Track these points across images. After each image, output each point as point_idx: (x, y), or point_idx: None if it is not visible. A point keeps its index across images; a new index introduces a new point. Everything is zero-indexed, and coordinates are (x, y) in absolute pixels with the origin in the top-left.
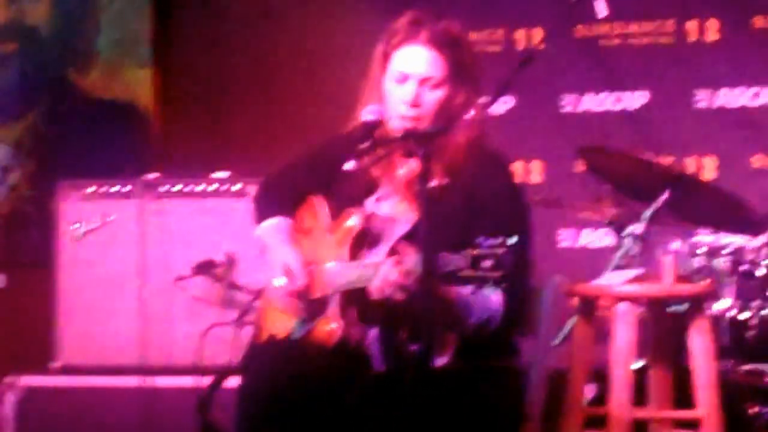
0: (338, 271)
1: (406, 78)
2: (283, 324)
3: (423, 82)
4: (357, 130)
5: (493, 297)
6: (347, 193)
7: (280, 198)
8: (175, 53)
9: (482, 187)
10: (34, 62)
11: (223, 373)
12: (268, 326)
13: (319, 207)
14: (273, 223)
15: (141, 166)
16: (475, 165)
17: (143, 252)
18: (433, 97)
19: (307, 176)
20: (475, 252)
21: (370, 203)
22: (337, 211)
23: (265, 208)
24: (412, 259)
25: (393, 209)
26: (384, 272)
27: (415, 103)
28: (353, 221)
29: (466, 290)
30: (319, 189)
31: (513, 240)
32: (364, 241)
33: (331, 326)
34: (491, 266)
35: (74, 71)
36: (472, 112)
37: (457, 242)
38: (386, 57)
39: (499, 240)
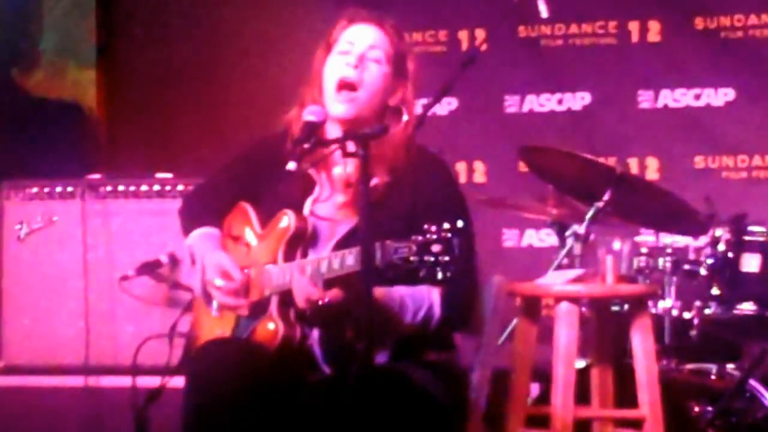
0: (274, 272)
1: (352, 45)
2: (220, 330)
3: (368, 50)
4: (297, 131)
5: (432, 294)
6: (283, 196)
7: (204, 209)
8: (119, 54)
9: (423, 184)
10: None
11: (155, 391)
12: (203, 335)
13: (249, 213)
14: (201, 232)
15: (85, 166)
16: (413, 163)
17: (86, 252)
18: (375, 70)
19: (232, 184)
20: (422, 237)
21: (307, 205)
22: (270, 215)
23: (190, 220)
24: (337, 257)
25: (331, 210)
26: (295, 281)
27: (358, 65)
28: (286, 222)
29: (402, 289)
30: (247, 195)
31: (460, 223)
32: (299, 242)
33: (269, 327)
34: (440, 251)
35: (18, 71)
36: (405, 117)
37: (400, 237)
38: (332, 41)
39: (447, 225)
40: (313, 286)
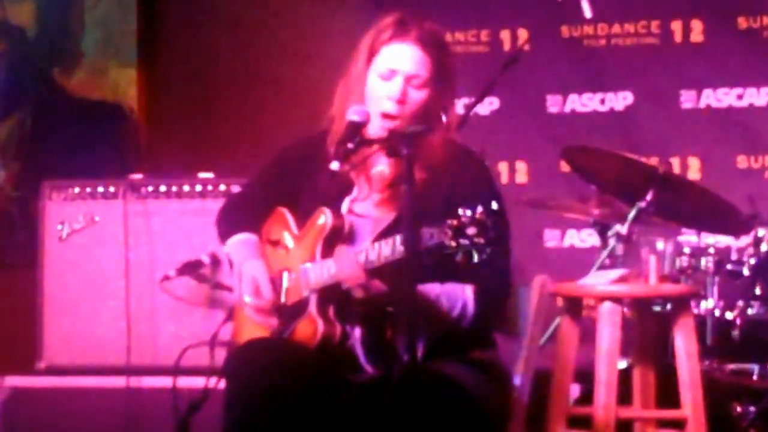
0: (311, 270)
1: (394, 74)
2: (262, 335)
3: (409, 79)
4: (341, 130)
5: (466, 292)
6: (320, 197)
7: (241, 216)
8: (160, 53)
9: (459, 179)
10: (19, 62)
11: (197, 401)
12: (244, 342)
13: (286, 217)
14: (239, 238)
15: (126, 166)
16: (450, 160)
17: (128, 252)
18: (418, 96)
19: (268, 189)
20: (457, 221)
21: (345, 204)
22: (308, 217)
23: (227, 228)
24: (373, 249)
25: (369, 208)
26: (344, 272)
27: (401, 100)
28: (323, 219)
29: (436, 287)
30: (284, 199)
31: (494, 205)
32: (337, 239)
33: (309, 326)
34: (475, 233)
35: (60, 71)
36: (444, 119)
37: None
38: (372, 53)
39: (481, 208)
40: (359, 266)
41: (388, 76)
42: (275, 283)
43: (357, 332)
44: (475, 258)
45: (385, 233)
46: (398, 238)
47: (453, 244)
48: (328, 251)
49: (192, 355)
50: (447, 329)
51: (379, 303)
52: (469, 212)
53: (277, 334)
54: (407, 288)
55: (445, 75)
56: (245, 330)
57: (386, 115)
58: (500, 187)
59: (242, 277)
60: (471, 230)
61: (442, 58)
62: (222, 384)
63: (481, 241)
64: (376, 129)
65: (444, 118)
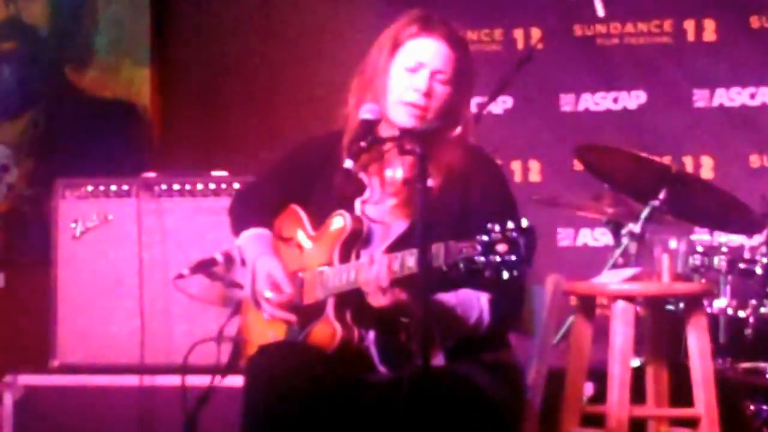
0: (329, 274)
1: (421, 66)
2: (272, 333)
3: (435, 74)
4: (354, 128)
5: (482, 301)
6: (332, 197)
7: (255, 209)
8: (173, 52)
9: (475, 184)
10: (32, 61)
11: (204, 396)
12: (254, 338)
13: (300, 214)
14: (253, 233)
15: (139, 164)
16: (466, 163)
17: (141, 251)
18: (442, 91)
19: (282, 184)
20: (488, 237)
21: (357, 206)
22: (321, 216)
23: (241, 220)
24: (397, 259)
25: (382, 213)
26: (369, 273)
27: (428, 93)
28: (341, 222)
29: (452, 297)
30: (296, 195)
31: (525, 222)
32: (355, 243)
33: (327, 330)
34: (506, 250)
35: (72, 70)
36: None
37: (453, 238)
38: (397, 45)
39: (512, 224)
40: (385, 271)
41: (414, 69)
42: (291, 281)
43: (371, 334)
44: (505, 275)
45: (399, 241)
46: (417, 252)
47: (482, 260)
48: (345, 255)
49: (203, 353)
50: (464, 337)
51: (397, 312)
52: (498, 227)
53: (292, 334)
54: (423, 299)
55: (466, 75)
56: (253, 326)
57: (413, 105)
58: (514, 191)
59: (256, 273)
60: (501, 247)
61: (464, 58)
62: (229, 380)
63: (512, 258)
64: (398, 120)
65: (461, 120)
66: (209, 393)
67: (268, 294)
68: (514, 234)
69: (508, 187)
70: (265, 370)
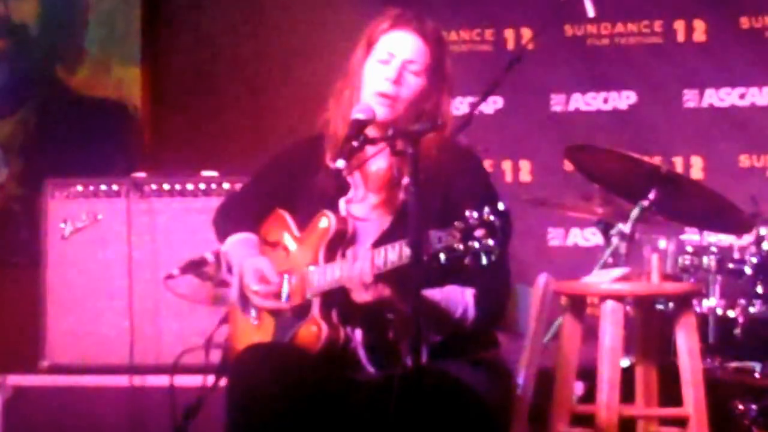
0: (315, 273)
1: (392, 57)
2: (259, 338)
3: (407, 64)
4: (344, 129)
5: (466, 296)
6: (316, 198)
7: (239, 215)
8: (164, 51)
9: (455, 177)
10: (22, 60)
11: (193, 407)
12: (241, 344)
13: (285, 218)
14: (238, 238)
15: (129, 164)
16: (447, 159)
17: (131, 251)
18: (414, 82)
19: (267, 190)
20: (465, 224)
21: (341, 205)
22: (306, 218)
23: (225, 227)
24: (379, 254)
25: (365, 211)
26: (353, 270)
27: (397, 81)
28: (326, 222)
29: (437, 293)
30: (281, 200)
31: (501, 206)
32: (340, 242)
33: (312, 329)
34: (484, 234)
35: (63, 69)
36: (439, 121)
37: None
38: (371, 42)
39: (487, 209)
40: (368, 266)
41: (386, 60)
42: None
43: (358, 334)
44: (484, 260)
45: (385, 237)
46: (404, 244)
47: (461, 246)
48: (331, 255)
49: (192, 354)
50: (448, 333)
51: (382, 308)
52: (476, 214)
53: (279, 338)
54: (412, 293)
55: (441, 71)
56: (241, 333)
57: (381, 95)
58: (495, 183)
59: (244, 271)
60: (479, 232)
61: (440, 54)
62: (219, 383)
63: (490, 242)
64: (371, 129)
65: (439, 117)
66: (199, 404)
67: (256, 287)
68: (491, 217)
69: (487, 176)
70: (249, 371)
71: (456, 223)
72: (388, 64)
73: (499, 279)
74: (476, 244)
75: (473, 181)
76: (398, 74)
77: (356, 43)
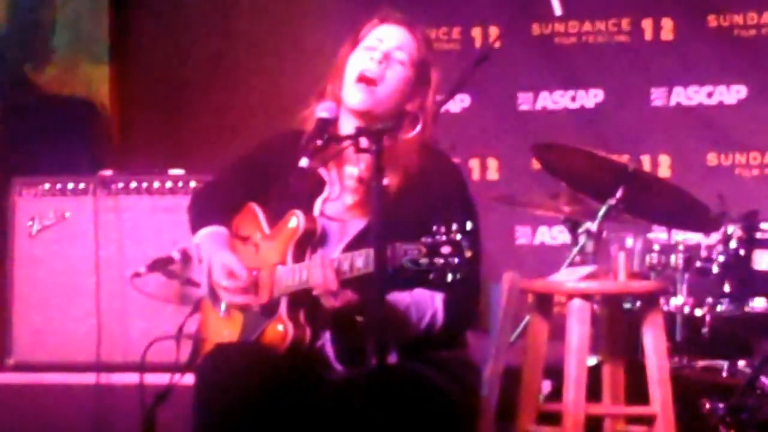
0: (283, 273)
1: (380, 42)
2: (228, 331)
3: (394, 50)
4: (310, 128)
5: (436, 300)
6: (292, 196)
7: (213, 207)
8: (132, 50)
9: (434, 187)
10: None
11: (163, 394)
12: (211, 336)
13: (257, 213)
14: (210, 231)
15: (97, 163)
16: (425, 166)
17: (98, 249)
18: (399, 70)
19: (242, 182)
20: (432, 239)
21: (317, 205)
22: (279, 215)
23: (199, 218)
24: (346, 260)
25: (341, 211)
26: (317, 277)
27: (382, 62)
28: (295, 222)
29: (407, 297)
30: (256, 194)
31: (469, 225)
32: (308, 242)
33: (278, 329)
34: (450, 252)
35: (31, 68)
36: (420, 125)
37: (410, 240)
38: (357, 40)
39: (456, 226)
40: (333, 274)
41: (373, 47)
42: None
43: (327, 333)
44: (449, 277)
45: (357, 240)
46: (372, 251)
47: (427, 261)
48: (299, 254)
49: (160, 351)
50: (417, 338)
51: (349, 312)
52: (443, 229)
53: (247, 333)
54: (377, 300)
55: (426, 73)
56: (209, 324)
57: (363, 77)
58: (473, 197)
59: (212, 266)
60: (445, 249)
61: (426, 51)
62: (188, 378)
63: (456, 260)
64: (351, 102)
65: (420, 121)
66: (168, 391)
67: (225, 282)
68: (458, 236)
69: (467, 188)
70: (214, 372)
71: (423, 239)
72: (374, 50)
73: (468, 288)
74: (441, 261)
75: (451, 192)
76: (384, 56)
77: (329, 40)
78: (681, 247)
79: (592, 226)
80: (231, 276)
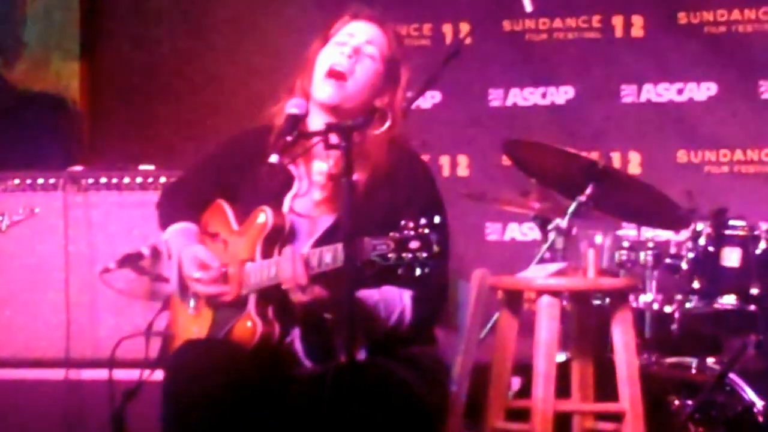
0: (251, 269)
1: (351, 38)
2: (197, 328)
3: (365, 45)
4: (280, 124)
5: (404, 298)
6: (261, 192)
7: (182, 203)
8: (103, 46)
9: (401, 182)
10: None
11: (132, 390)
12: (180, 333)
13: (225, 210)
14: (179, 227)
15: (67, 158)
16: (393, 161)
17: (68, 244)
18: (369, 65)
19: (211, 179)
20: (400, 234)
21: (286, 201)
22: (247, 211)
23: (168, 214)
24: (314, 255)
25: (309, 207)
26: (288, 272)
27: (352, 56)
28: (263, 218)
29: (375, 294)
30: (225, 190)
31: (437, 219)
32: (277, 239)
33: (247, 325)
34: (418, 247)
35: (1, 63)
36: (388, 122)
37: (379, 235)
38: (329, 34)
39: (424, 221)
40: (303, 269)
41: (344, 42)
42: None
43: (296, 329)
44: (417, 272)
45: (326, 236)
46: (340, 247)
47: (395, 256)
48: (268, 251)
49: (130, 348)
50: (385, 334)
51: (318, 308)
52: (411, 224)
53: (216, 329)
54: (346, 296)
55: (396, 70)
56: (180, 321)
57: (332, 72)
58: (441, 193)
59: (183, 259)
60: (414, 244)
61: (396, 47)
62: (157, 374)
63: (424, 255)
64: (321, 96)
65: (389, 117)
66: (138, 387)
67: (197, 274)
68: (426, 231)
69: (435, 185)
70: (183, 368)
71: (391, 234)
72: (345, 45)
73: (436, 285)
74: (409, 256)
75: (420, 188)
76: (354, 51)
77: (293, 38)
78: (650, 244)
79: (562, 222)
80: (203, 267)
